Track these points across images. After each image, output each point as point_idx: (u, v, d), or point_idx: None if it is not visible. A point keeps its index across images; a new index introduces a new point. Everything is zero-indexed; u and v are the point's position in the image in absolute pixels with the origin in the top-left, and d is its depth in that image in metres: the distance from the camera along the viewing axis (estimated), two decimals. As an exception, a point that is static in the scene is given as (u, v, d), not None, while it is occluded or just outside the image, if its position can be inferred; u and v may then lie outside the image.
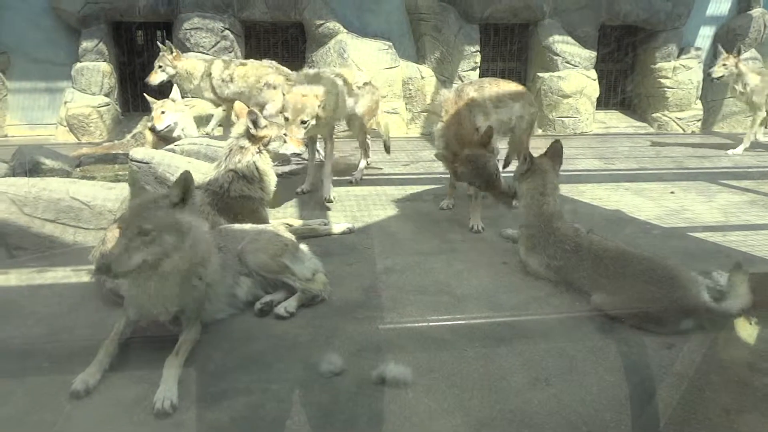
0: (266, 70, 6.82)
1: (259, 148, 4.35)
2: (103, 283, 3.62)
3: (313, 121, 5.09)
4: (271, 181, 4.48)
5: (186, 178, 2.98)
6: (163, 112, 6.63)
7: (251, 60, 7.46)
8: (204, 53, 9.20)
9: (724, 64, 8.37)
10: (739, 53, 8.28)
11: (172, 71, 7.02)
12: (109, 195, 4.68)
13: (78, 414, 2.60)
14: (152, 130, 6.69)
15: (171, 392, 2.66)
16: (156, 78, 7.06)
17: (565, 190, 6.20)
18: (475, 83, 5.53)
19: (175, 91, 7.10)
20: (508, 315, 3.50)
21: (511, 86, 5.63)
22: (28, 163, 5.52)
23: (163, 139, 6.64)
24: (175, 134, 6.61)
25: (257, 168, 4.35)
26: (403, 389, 2.76)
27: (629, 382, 2.91)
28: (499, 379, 2.87)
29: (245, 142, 4.34)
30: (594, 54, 10.17)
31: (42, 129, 9.40)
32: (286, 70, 6.93)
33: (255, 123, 4.32)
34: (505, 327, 3.38)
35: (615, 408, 2.68)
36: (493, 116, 5.22)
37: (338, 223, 5.06)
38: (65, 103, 9.07)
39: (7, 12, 9.24)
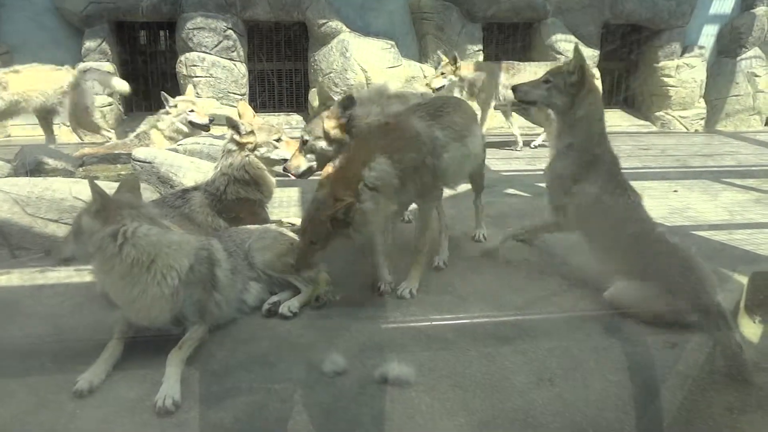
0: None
1: (246, 153, 4.34)
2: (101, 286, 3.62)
3: None
4: (269, 183, 4.47)
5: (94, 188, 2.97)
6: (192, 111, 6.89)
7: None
8: (207, 53, 9.22)
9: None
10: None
11: None
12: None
13: (81, 413, 2.60)
14: (194, 124, 6.94)
15: (173, 390, 2.66)
16: None
17: (568, 189, 6.25)
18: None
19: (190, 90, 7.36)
20: (512, 314, 3.49)
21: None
22: (30, 163, 5.52)
23: (170, 139, 6.69)
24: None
25: (248, 172, 4.34)
26: (405, 389, 2.76)
27: (633, 382, 2.90)
28: (502, 379, 2.86)
29: (233, 146, 4.34)
30: (597, 53, 10.17)
31: (45, 129, 9.39)
32: None
33: (236, 129, 4.32)
34: (509, 326, 3.37)
35: (619, 407, 2.67)
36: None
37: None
38: (68, 102, 9.07)
39: (11, 11, 9.26)
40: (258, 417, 2.58)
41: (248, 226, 3.90)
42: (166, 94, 7.10)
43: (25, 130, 9.44)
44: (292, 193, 5.99)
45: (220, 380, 2.83)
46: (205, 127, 7.06)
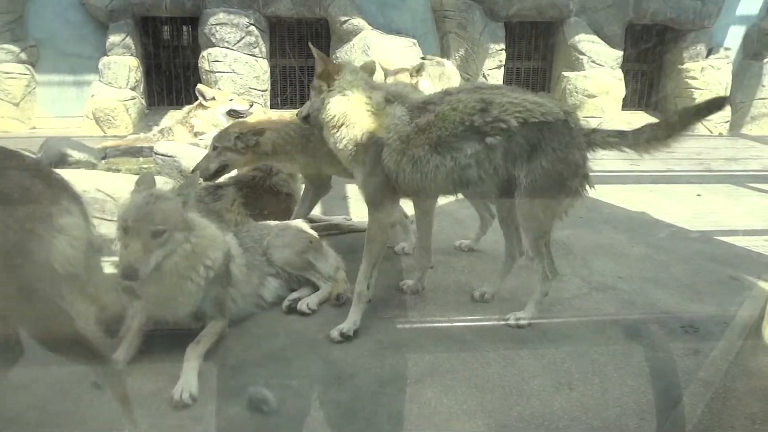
0: None
1: None
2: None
3: None
4: (298, 187, 4.55)
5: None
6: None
7: None
8: (229, 49, 9.27)
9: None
10: (419, 71, 7.19)
11: None
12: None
13: (98, 404, 2.62)
14: (236, 112, 7.11)
15: (190, 384, 2.67)
16: None
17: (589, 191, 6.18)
18: None
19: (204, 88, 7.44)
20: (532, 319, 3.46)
21: None
22: (54, 155, 5.57)
23: (200, 133, 6.79)
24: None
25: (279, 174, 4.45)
26: (423, 389, 2.74)
27: (653, 388, 2.86)
28: (520, 382, 2.84)
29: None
30: (620, 53, 10.05)
31: (69, 121, 9.53)
32: None
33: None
34: (528, 329, 3.34)
35: (638, 414, 2.64)
36: None
37: (362, 219, 5.05)
38: (92, 96, 9.19)
39: (38, 6, 9.38)
40: (274, 413, 2.58)
41: (268, 222, 3.91)
42: (201, 88, 7.21)
43: (50, 122, 9.57)
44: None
45: (237, 375, 2.84)
46: (244, 115, 7.16)
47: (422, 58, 7.57)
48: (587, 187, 3.29)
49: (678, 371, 2.97)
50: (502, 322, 3.36)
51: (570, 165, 3.13)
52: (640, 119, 10.65)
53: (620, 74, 10.04)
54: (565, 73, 10.03)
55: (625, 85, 10.12)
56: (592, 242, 4.77)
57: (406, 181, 3.13)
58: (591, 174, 3.26)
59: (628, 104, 10.61)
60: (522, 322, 3.32)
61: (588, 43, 9.93)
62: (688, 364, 3.01)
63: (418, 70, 6.21)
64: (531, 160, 3.08)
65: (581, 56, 9.88)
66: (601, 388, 2.80)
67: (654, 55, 10.91)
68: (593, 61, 9.89)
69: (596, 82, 9.83)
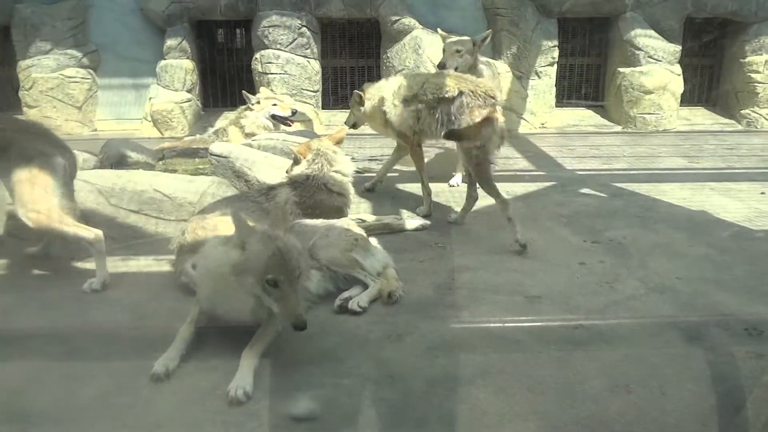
0: None
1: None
2: (178, 276, 3.75)
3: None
4: (350, 191, 4.69)
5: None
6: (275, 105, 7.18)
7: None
8: (281, 50, 9.39)
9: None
10: (484, 40, 7.03)
11: None
12: (189, 188, 4.82)
13: (155, 398, 2.69)
14: (276, 117, 7.31)
15: (245, 381, 2.71)
16: None
17: (645, 189, 6.04)
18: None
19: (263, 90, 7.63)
20: (584, 318, 3.38)
21: None
22: (114, 156, 5.76)
23: (250, 135, 6.90)
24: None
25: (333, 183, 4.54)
26: (475, 390, 2.72)
27: (715, 393, 2.77)
28: (574, 384, 2.78)
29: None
30: (678, 48, 9.74)
31: (128, 123, 9.83)
32: None
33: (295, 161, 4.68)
34: (582, 330, 3.27)
35: (699, 419, 2.55)
36: None
37: (412, 218, 5.05)
38: (150, 99, 9.45)
39: (99, 12, 9.71)
40: (326, 411, 2.60)
41: (314, 221, 3.95)
42: (247, 93, 7.34)
43: (110, 125, 9.90)
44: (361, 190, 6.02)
45: (290, 373, 2.87)
46: (287, 122, 7.28)
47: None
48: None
49: (741, 375, 2.86)
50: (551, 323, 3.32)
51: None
52: (699, 115, 10.33)
53: (678, 69, 9.72)
54: (620, 69, 9.78)
55: (684, 81, 9.80)
56: (650, 242, 4.64)
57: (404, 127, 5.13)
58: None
59: (686, 100, 10.27)
60: None
61: (644, 38, 9.65)
62: (751, 368, 2.89)
63: (484, 39, 6.14)
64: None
65: (637, 52, 9.61)
66: (660, 392, 2.72)
67: (714, 50, 10.53)
68: (650, 57, 9.60)
69: (653, 77, 9.55)
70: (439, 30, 6.53)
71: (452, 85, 4.73)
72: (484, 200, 5.65)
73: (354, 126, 5.85)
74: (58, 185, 3.86)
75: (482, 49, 6.24)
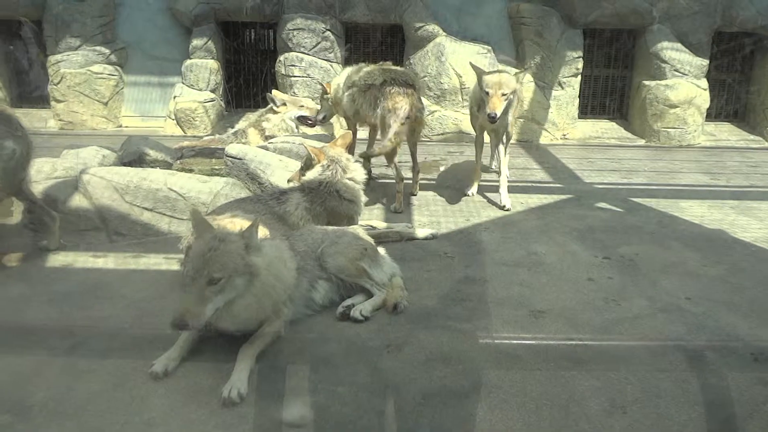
0: None
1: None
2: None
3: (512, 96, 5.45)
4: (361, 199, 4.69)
5: (255, 222, 3.02)
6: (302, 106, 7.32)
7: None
8: (305, 53, 9.45)
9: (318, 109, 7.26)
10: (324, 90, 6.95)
11: None
12: (203, 188, 4.88)
13: (152, 396, 2.73)
14: (304, 118, 7.53)
15: (240, 382, 2.73)
16: None
17: (663, 205, 5.96)
18: None
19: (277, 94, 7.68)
20: (589, 338, 3.34)
21: None
22: (133, 153, 5.84)
23: (270, 137, 6.98)
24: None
25: (346, 191, 4.55)
26: (469, 404, 2.70)
27: (715, 419, 2.72)
28: (571, 402, 2.75)
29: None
30: (706, 62, 9.59)
31: (152, 121, 9.96)
32: None
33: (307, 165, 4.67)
34: (584, 348, 3.23)
35: (696, 445, 2.51)
36: None
37: (422, 227, 5.05)
38: (174, 97, 9.57)
39: (128, 10, 9.87)
40: (318, 418, 2.61)
41: (324, 227, 3.96)
42: (273, 95, 7.41)
43: (135, 122, 10.04)
44: (376, 196, 6.04)
45: (286, 377, 2.89)
46: (310, 121, 7.34)
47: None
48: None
49: (743, 402, 2.80)
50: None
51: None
52: (725, 131, 10.16)
53: (705, 84, 9.57)
54: (645, 82, 9.66)
55: (711, 95, 9.65)
56: (662, 260, 4.57)
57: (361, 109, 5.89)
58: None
59: (713, 115, 10.13)
60: None
61: (671, 51, 9.53)
62: (755, 395, 2.84)
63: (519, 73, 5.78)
64: None
65: (663, 65, 9.49)
66: (658, 415, 2.68)
67: (743, 64, 10.36)
68: (676, 70, 9.48)
69: (678, 91, 9.42)
70: (471, 63, 5.95)
71: (378, 74, 5.71)
72: (495, 212, 5.64)
73: (324, 119, 6.91)
74: None
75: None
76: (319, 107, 7.17)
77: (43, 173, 5.04)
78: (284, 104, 7.43)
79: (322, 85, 6.71)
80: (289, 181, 4.86)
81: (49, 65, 9.58)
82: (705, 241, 5.03)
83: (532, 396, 2.78)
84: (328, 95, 6.54)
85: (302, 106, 7.54)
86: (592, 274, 4.24)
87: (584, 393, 2.82)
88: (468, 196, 6.20)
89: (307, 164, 4.66)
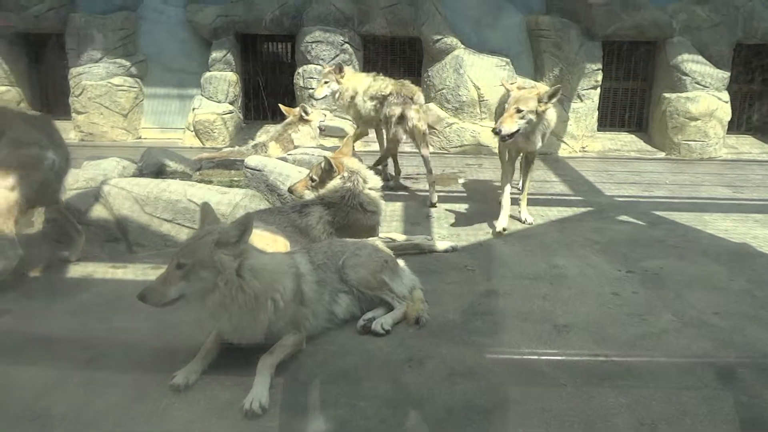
0: None
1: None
2: None
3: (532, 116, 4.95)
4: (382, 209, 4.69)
5: (245, 220, 3.01)
6: (326, 82, 7.07)
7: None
8: (323, 65, 9.47)
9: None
10: (341, 69, 6.97)
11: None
12: (222, 199, 4.87)
13: (173, 409, 2.70)
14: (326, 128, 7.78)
15: (261, 395, 2.71)
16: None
17: (686, 219, 5.88)
18: None
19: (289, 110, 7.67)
20: (614, 354, 3.27)
21: None
22: (153, 164, 5.87)
23: (296, 148, 6.99)
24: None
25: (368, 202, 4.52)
26: (493, 420, 2.65)
27: (747, 438, 2.64)
28: (597, 419, 2.69)
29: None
30: (727, 74, 9.50)
31: (171, 133, 10.05)
32: None
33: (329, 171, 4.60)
34: (611, 363, 3.17)
35: (728, 465, 2.44)
36: None
37: (442, 240, 5.01)
38: (193, 109, 9.64)
39: (149, 23, 9.99)
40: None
41: (345, 240, 3.93)
42: (305, 106, 7.50)
43: (154, 133, 10.12)
44: (395, 208, 6.01)
45: (308, 391, 2.85)
46: (323, 130, 7.72)
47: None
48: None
49: (776, 421, 2.73)
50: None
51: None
52: (746, 144, 10.04)
53: (726, 96, 9.47)
54: (665, 95, 9.58)
55: (732, 108, 9.54)
56: (688, 274, 4.49)
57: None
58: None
59: (734, 128, 10.01)
60: None
61: (692, 64, 9.45)
62: (788, 415, 2.76)
63: (551, 96, 5.05)
64: None
65: (684, 77, 9.41)
66: (688, 433, 2.61)
67: (765, 76, 10.24)
68: (697, 83, 9.39)
69: (699, 104, 9.32)
70: (503, 81, 5.86)
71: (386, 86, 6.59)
72: (515, 224, 5.59)
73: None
74: (34, 179, 4.04)
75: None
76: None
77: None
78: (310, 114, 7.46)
79: (340, 65, 7.09)
80: (290, 189, 4.83)
81: (70, 77, 9.70)
82: (730, 254, 4.94)
83: (556, 413, 2.72)
84: (342, 77, 6.90)
85: (325, 114, 7.78)
86: (615, 288, 4.17)
87: (611, 410, 2.76)
88: (499, 231, 5.27)
89: (326, 176, 4.62)
